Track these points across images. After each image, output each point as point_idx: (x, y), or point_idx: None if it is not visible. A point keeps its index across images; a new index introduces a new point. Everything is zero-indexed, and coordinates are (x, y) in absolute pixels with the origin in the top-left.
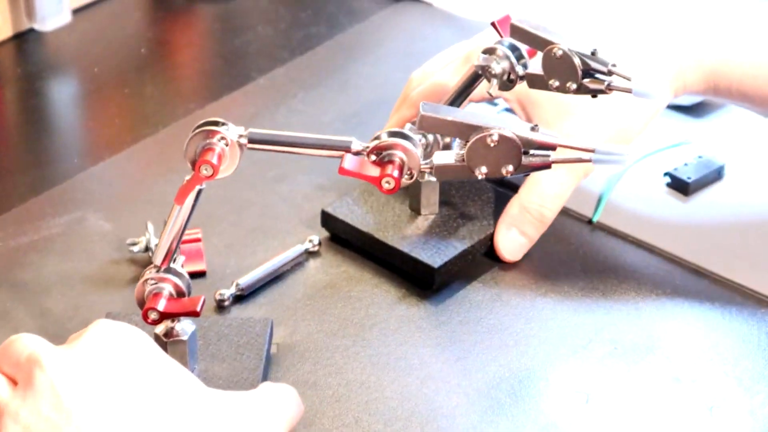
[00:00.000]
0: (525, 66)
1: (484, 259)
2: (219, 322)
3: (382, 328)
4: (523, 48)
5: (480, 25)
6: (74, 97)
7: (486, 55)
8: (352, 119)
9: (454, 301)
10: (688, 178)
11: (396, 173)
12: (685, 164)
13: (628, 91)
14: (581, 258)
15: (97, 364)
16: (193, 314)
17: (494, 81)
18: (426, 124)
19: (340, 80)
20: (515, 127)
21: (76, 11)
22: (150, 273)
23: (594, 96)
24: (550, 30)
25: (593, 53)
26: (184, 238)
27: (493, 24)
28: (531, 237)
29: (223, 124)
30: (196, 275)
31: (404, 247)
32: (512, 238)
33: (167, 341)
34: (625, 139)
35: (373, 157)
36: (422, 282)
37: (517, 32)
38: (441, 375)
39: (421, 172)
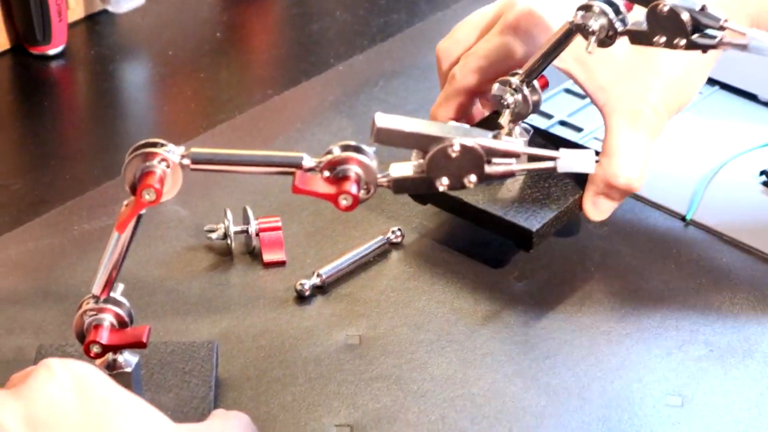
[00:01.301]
0: (624, 22)
1: (573, 256)
2: (161, 349)
3: (468, 323)
4: (620, 2)
5: None
6: (148, 81)
7: (583, 12)
8: None
9: (543, 299)
10: None
11: (354, 189)
12: None
13: (744, 46)
14: (675, 256)
15: (54, 415)
16: (140, 346)
17: (592, 39)
18: (382, 137)
19: (421, 69)
20: (476, 136)
21: None
22: (89, 304)
23: (704, 51)
24: None
25: (702, 8)
26: (263, 226)
27: None
28: (620, 200)
29: (163, 144)
30: (275, 264)
31: (497, 210)
32: (601, 204)
33: (111, 374)
34: (685, 95)
35: (327, 173)
36: (519, 244)
37: None
38: (529, 372)
39: (378, 185)
